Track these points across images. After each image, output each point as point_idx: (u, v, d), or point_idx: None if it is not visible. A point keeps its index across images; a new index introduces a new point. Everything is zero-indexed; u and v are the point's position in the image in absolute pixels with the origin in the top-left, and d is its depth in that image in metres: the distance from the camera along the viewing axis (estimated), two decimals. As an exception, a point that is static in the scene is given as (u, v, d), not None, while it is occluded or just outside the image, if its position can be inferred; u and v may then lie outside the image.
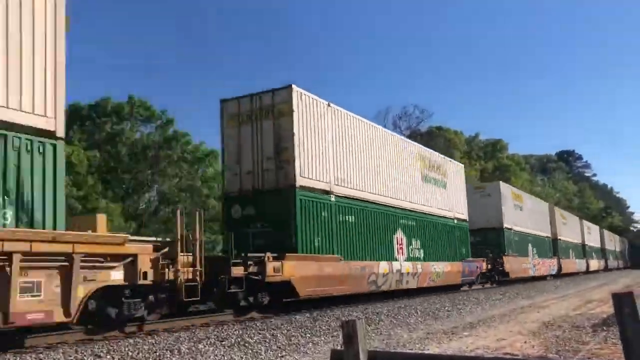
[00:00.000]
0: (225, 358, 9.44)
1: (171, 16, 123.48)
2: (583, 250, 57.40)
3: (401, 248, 20.13)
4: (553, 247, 44.46)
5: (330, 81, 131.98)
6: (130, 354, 8.99)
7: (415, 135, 51.38)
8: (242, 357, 9.62)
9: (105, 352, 8.97)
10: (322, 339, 11.61)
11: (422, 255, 21.77)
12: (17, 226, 8.81)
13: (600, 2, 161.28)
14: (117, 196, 28.57)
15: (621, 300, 3.35)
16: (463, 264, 25.40)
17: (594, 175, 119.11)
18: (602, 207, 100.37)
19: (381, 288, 18.62)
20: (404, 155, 21.74)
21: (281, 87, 15.84)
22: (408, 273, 20.25)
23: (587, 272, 56.63)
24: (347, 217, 16.89)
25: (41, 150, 9.39)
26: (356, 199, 17.72)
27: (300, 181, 15.01)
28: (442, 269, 23.29)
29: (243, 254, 13.05)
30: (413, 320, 14.94)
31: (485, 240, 30.63)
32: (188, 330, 11.58)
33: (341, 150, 17.36)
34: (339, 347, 9.99)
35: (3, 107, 8.97)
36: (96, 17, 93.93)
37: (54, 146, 9.64)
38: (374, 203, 18.91)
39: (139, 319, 11.27)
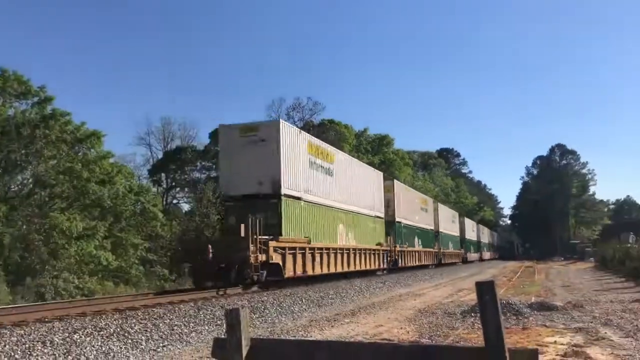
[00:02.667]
0: (103, 349, 9.09)
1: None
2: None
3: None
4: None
5: (222, 70, 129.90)
6: (-5, 346, 8.39)
7: (308, 128, 51.89)
8: (121, 348, 9.32)
9: (-34, 345, 8.30)
10: (206, 327, 11.53)
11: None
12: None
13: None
14: (-16, 177, 26.25)
15: (482, 288, 3.67)
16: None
17: (470, 172, 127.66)
18: (476, 202, 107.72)
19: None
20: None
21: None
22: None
23: (465, 262, 61.15)
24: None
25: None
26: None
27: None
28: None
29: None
30: (297, 309, 15.24)
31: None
32: (62, 320, 10.98)
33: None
34: (222, 336, 9.99)
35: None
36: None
37: None
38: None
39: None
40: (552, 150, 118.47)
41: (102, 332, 9.89)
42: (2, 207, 24.21)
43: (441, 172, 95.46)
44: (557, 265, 54.98)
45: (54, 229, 24.53)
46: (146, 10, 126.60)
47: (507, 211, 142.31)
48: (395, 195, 35.59)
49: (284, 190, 19.74)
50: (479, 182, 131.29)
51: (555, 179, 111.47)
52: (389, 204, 34.47)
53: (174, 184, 55.76)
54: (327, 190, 24.24)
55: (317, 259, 22.39)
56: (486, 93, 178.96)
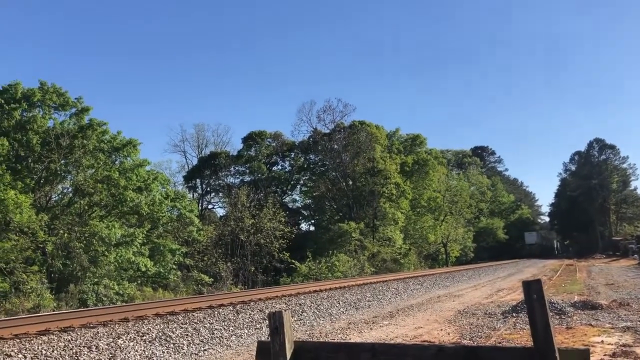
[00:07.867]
0: (146, 353, 9.24)
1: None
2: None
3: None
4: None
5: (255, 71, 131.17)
6: (44, 352, 8.60)
7: (339, 129, 51.92)
8: (163, 352, 9.46)
9: (16, 351, 8.53)
10: (246, 331, 11.60)
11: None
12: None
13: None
14: (27, 187, 26.98)
15: (530, 286, 3.59)
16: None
17: (506, 170, 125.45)
18: (513, 200, 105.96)
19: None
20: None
21: None
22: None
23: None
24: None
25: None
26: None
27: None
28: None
29: None
30: (335, 311, 15.22)
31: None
32: (106, 325, 11.20)
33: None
34: (264, 339, 10.04)
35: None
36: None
37: None
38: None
39: None
40: (590, 145, 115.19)
41: (144, 337, 10.05)
42: (44, 217, 24.87)
43: (476, 170, 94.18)
44: (599, 263, 53.60)
45: (94, 237, 25.10)
46: (177, 21, 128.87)
47: (545, 209, 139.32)
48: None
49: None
50: (515, 179, 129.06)
51: (594, 175, 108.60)
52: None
53: (208, 189, 56.49)
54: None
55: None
56: (520, 90, 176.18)
